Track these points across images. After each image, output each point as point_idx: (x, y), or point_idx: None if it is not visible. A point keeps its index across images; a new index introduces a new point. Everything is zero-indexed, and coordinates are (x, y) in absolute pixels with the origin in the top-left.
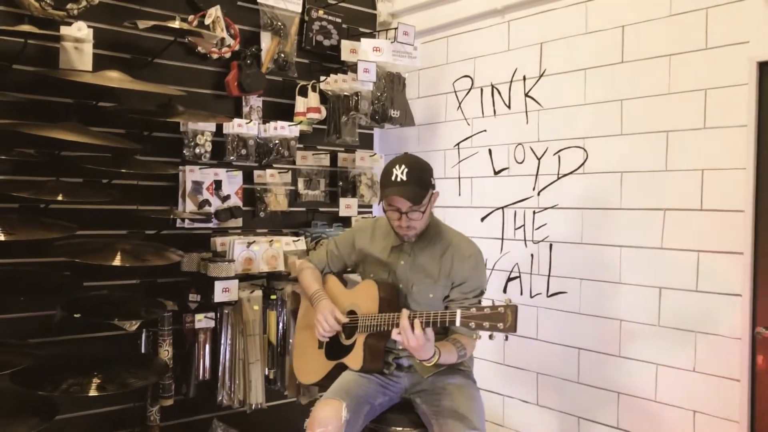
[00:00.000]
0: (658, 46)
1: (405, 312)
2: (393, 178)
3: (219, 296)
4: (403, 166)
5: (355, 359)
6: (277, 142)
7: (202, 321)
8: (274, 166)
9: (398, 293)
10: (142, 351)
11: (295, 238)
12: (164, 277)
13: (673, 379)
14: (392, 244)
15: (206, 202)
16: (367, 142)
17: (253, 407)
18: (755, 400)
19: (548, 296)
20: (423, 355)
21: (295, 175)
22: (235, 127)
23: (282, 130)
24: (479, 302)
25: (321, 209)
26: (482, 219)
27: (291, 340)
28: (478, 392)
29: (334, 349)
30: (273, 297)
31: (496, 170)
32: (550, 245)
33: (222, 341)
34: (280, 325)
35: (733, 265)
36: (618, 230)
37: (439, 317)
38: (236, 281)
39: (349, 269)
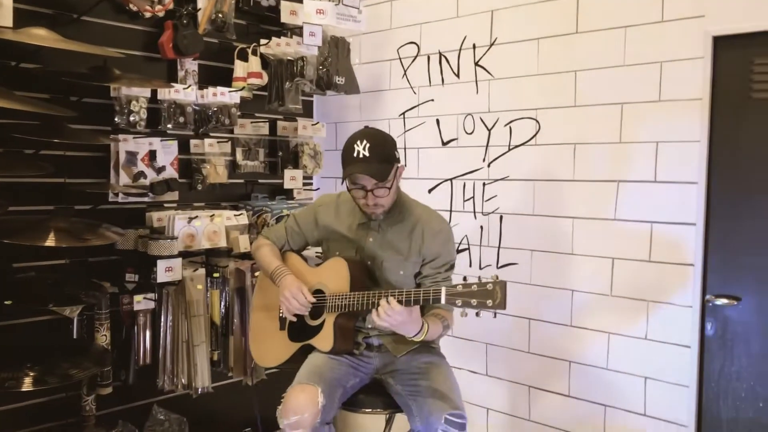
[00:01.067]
0: (614, 18)
1: (382, 294)
2: (355, 154)
3: (162, 276)
4: (364, 141)
5: (324, 340)
6: (216, 108)
7: (142, 302)
8: (212, 135)
9: (368, 271)
10: (74, 336)
11: (237, 212)
12: (96, 256)
13: (625, 347)
14: (359, 221)
15: (141, 174)
16: (306, 111)
17: (200, 391)
18: (704, 366)
19: (498, 268)
20: (411, 331)
21: (233, 145)
22: (171, 93)
23: (222, 96)
24: (451, 276)
25: (261, 181)
26: (429, 191)
27: (236, 320)
28: (452, 370)
29: (299, 330)
30: (216, 275)
31: (445, 141)
32: (501, 217)
33: (162, 323)
34: (223, 304)
35: (685, 236)
36: (571, 202)
37: (422, 295)
38: (179, 260)
39: (309, 247)
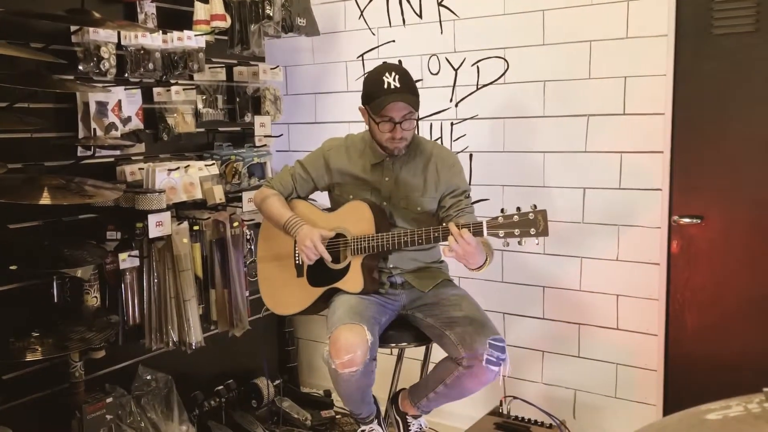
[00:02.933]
0: None
1: (451, 224)
2: (386, 86)
3: (153, 231)
4: (393, 73)
5: (353, 282)
6: (181, 54)
7: (127, 260)
8: (172, 82)
9: (386, 212)
10: (55, 300)
11: (208, 162)
12: (70, 215)
13: (598, 268)
14: (372, 161)
15: (113, 125)
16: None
17: (194, 346)
18: (671, 280)
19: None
20: (477, 261)
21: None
22: (139, 37)
23: (189, 40)
24: (470, 202)
25: (221, 129)
26: None
27: (217, 272)
28: None
29: (321, 275)
30: (195, 228)
31: None
32: (470, 155)
33: (149, 280)
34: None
35: (653, 163)
36: (541, 137)
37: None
38: (169, 213)
39: (315, 192)
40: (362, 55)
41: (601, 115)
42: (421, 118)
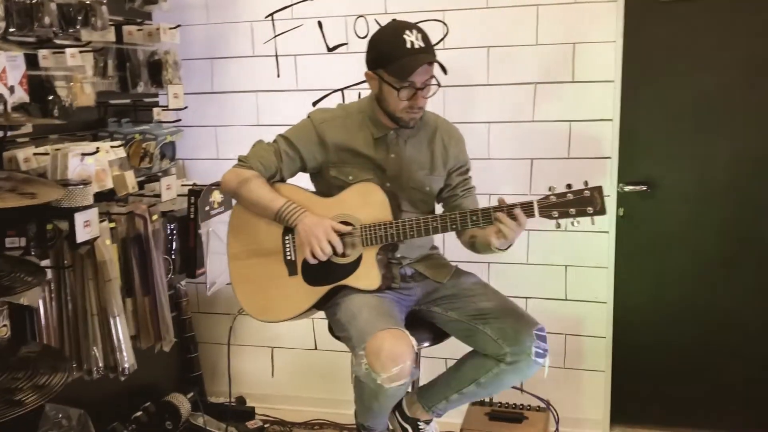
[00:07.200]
0: None
1: (503, 200)
2: (409, 45)
3: (82, 233)
4: (414, 32)
5: (367, 278)
6: (78, 6)
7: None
8: (57, 42)
9: (396, 194)
10: None
11: (113, 144)
12: None
13: (544, 240)
14: (374, 135)
15: (1, 98)
16: (138, 12)
17: (127, 371)
18: (617, 248)
19: None
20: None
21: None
22: None
23: None
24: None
25: (112, 102)
26: (315, 103)
27: (137, 277)
28: None
29: (321, 271)
30: (112, 225)
31: (330, 46)
32: None
33: (60, 296)
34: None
35: (602, 132)
36: (486, 106)
37: (505, 210)
38: (96, 210)
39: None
40: (271, 15)
41: (548, 83)
42: (346, 87)
